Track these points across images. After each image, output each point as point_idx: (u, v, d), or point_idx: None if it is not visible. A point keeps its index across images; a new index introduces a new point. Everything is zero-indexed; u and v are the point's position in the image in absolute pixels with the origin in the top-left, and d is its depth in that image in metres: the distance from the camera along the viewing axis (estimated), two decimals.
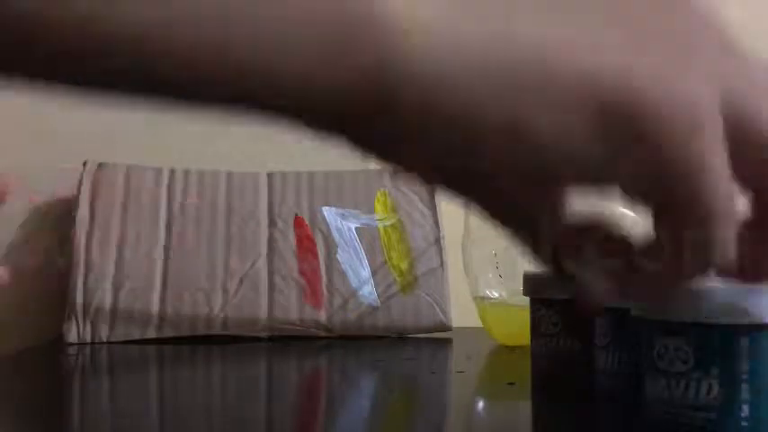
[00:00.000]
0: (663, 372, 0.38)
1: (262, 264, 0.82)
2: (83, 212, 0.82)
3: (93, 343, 0.77)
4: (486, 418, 0.52)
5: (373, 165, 1.01)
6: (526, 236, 0.37)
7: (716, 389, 0.36)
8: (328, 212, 0.84)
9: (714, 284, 0.36)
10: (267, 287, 0.81)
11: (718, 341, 0.36)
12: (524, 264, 0.70)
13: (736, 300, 0.36)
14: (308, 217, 0.84)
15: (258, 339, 0.78)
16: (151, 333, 0.78)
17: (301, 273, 0.81)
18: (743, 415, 0.36)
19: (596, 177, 0.30)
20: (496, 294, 0.75)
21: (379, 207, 0.85)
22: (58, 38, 0.23)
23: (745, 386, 0.36)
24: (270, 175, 0.87)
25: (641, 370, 0.40)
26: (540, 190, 0.34)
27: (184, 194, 0.85)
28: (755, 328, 0.36)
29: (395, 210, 0.85)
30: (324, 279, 0.81)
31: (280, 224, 0.84)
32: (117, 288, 0.79)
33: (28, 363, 0.71)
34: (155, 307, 0.79)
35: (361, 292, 0.81)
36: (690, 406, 0.37)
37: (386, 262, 0.83)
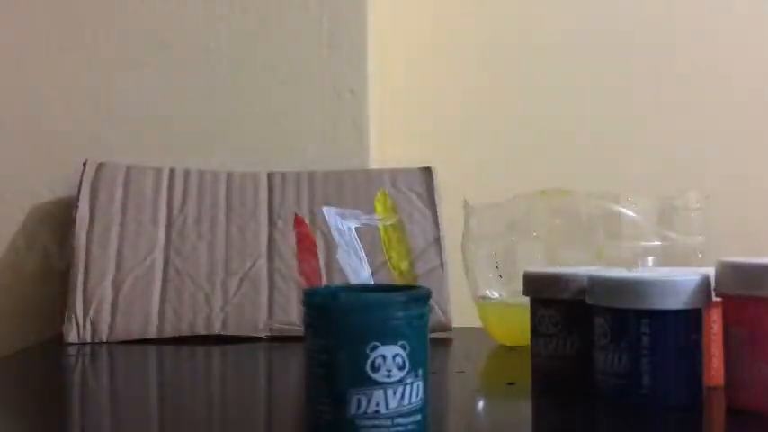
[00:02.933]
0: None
1: (262, 264, 0.82)
2: (83, 212, 0.82)
3: (92, 343, 0.77)
4: (486, 418, 0.52)
5: (373, 165, 1.01)
6: None
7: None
8: (328, 212, 0.84)
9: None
10: (267, 287, 0.81)
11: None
12: (524, 264, 0.70)
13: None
14: (308, 217, 0.84)
15: (258, 339, 0.78)
16: (151, 333, 0.78)
17: (301, 273, 0.81)
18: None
19: None
20: (496, 294, 0.74)
21: (379, 207, 0.85)
22: None
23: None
24: (270, 175, 0.87)
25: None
26: None
27: (184, 194, 0.85)
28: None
29: (395, 210, 0.85)
30: (324, 279, 0.81)
31: (280, 224, 0.84)
32: (117, 288, 0.79)
33: (28, 363, 0.71)
34: (154, 307, 0.79)
35: None
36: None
37: (386, 262, 0.83)
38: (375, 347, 0.38)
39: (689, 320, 0.47)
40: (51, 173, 0.91)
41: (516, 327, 0.65)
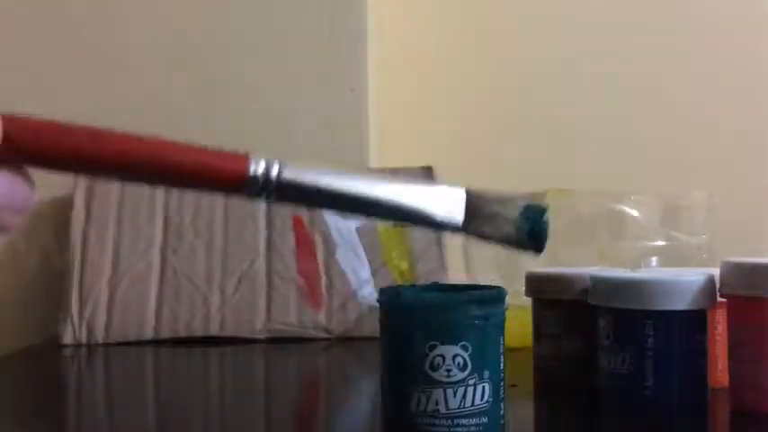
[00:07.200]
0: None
1: (260, 264, 0.81)
2: (78, 211, 0.82)
3: (88, 344, 0.76)
4: None
5: (373, 165, 1.00)
6: None
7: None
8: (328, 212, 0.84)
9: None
10: (266, 288, 0.80)
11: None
12: (525, 264, 0.69)
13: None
14: (308, 217, 0.83)
15: (256, 341, 0.77)
16: (147, 335, 0.77)
17: (300, 273, 0.81)
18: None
19: None
20: None
21: None
22: None
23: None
24: None
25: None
26: None
27: (182, 194, 0.84)
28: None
29: None
30: (323, 279, 0.81)
31: (278, 224, 0.83)
32: (113, 288, 0.79)
33: (25, 364, 0.71)
34: (151, 308, 0.78)
35: (360, 293, 0.80)
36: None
37: (386, 262, 0.82)
38: (434, 347, 0.38)
39: (693, 321, 0.46)
40: (50, 172, 0.90)
41: (518, 327, 0.64)
